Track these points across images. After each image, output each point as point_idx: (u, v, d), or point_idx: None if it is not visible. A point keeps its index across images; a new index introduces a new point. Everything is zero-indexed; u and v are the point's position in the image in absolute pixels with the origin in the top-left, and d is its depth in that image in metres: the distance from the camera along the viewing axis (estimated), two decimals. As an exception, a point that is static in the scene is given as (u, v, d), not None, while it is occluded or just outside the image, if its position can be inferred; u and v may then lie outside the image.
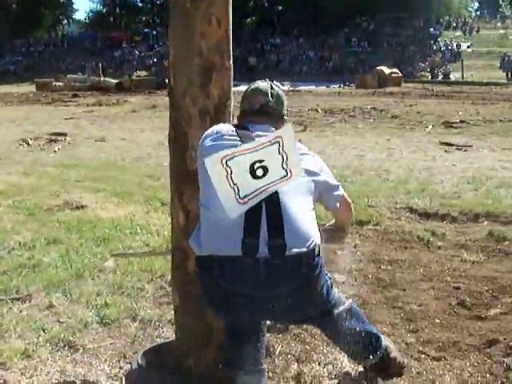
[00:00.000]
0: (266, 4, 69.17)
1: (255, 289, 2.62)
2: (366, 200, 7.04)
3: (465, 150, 11.20)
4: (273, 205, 2.62)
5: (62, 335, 3.84)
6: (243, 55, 52.18)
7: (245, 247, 2.58)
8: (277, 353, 3.67)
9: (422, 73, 45.58)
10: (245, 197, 2.56)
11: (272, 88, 3.02)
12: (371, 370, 3.24)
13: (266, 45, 59.03)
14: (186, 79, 2.99)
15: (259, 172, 2.57)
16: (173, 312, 3.36)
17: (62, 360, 3.60)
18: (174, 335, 3.47)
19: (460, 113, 18.27)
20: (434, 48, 53.55)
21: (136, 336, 3.89)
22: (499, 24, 67.85)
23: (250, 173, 2.56)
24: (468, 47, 54.91)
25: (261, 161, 2.57)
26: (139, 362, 3.22)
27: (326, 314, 2.92)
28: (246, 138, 2.68)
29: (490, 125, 15.26)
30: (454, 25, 65.41)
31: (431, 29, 59.75)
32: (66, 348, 3.73)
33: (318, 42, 56.50)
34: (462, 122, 15.87)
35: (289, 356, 3.65)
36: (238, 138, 2.70)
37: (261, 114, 2.90)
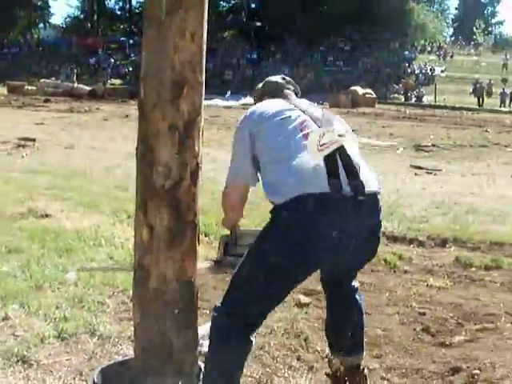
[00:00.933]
0: (244, 19, 69.44)
1: (346, 219, 2.77)
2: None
3: (434, 174, 11.27)
4: (344, 154, 2.88)
5: (16, 349, 3.69)
6: (219, 69, 52.33)
7: (331, 186, 2.76)
8: (237, 375, 3.59)
9: (396, 95, 46.04)
10: (323, 145, 2.85)
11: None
12: (347, 370, 3.37)
13: (242, 59, 59.19)
14: (156, 93, 2.92)
15: (325, 126, 2.94)
16: (133, 328, 3.27)
17: (14, 376, 3.45)
18: (133, 352, 3.37)
19: (431, 136, 18.44)
20: (409, 71, 54.17)
21: (94, 352, 3.78)
22: (473, 51, 68.92)
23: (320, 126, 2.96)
24: (442, 71, 55.72)
25: (324, 114, 3.04)
26: (95, 380, 3.12)
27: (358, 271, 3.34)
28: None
29: (461, 149, 15.43)
30: (429, 49, 66.33)
31: (406, 52, 60.47)
32: (20, 363, 3.58)
33: (293, 59, 56.83)
34: (433, 145, 16.03)
35: (250, 379, 3.58)
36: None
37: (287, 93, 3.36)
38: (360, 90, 36.20)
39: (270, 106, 3.15)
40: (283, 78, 3.48)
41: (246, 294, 2.92)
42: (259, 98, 3.42)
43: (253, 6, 72.82)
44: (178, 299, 3.04)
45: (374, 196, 2.91)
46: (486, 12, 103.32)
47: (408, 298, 4.98)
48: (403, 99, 44.79)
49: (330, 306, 3.45)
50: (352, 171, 2.85)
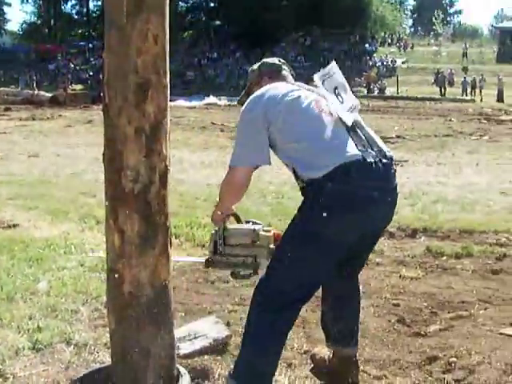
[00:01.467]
0: (203, 18, 69.30)
1: (380, 181, 2.97)
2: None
3: (401, 166, 11.34)
4: (359, 125, 3.13)
5: (-9, 363, 3.65)
6: (180, 69, 52.14)
7: (362, 152, 2.94)
8: (216, 376, 3.58)
9: (358, 88, 46.23)
10: (349, 108, 3.13)
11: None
12: (343, 362, 3.47)
13: (203, 59, 59.08)
14: (121, 97, 2.89)
15: (340, 98, 3.15)
16: (108, 335, 3.24)
17: (-10, 390, 3.43)
18: (110, 359, 3.34)
19: (396, 128, 18.58)
20: (370, 63, 54.51)
21: (70, 361, 3.73)
22: (432, 41, 69.61)
23: (336, 96, 3.15)
24: (403, 63, 56.22)
25: (336, 87, 3.19)
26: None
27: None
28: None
29: (426, 140, 15.56)
30: (389, 41, 66.81)
31: (367, 45, 60.84)
32: (-5, 376, 3.55)
33: (254, 56, 56.78)
34: (398, 137, 16.14)
35: (228, 379, 3.56)
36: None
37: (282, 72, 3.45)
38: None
39: (279, 87, 3.18)
40: (279, 60, 3.52)
41: (289, 278, 2.99)
42: (258, 79, 3.42)
43: (211, 4, 72.72)
44: (152, 304, 3.02)
45: (391, 159, 3.08)
46: (444, 2, 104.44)
47: (382, 289, 5.00)
48: (366, 92, 45.04)
49: (338, 299, 3.47)
50: (371, 139, 3.09)
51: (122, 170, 2.91)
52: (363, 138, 3.06)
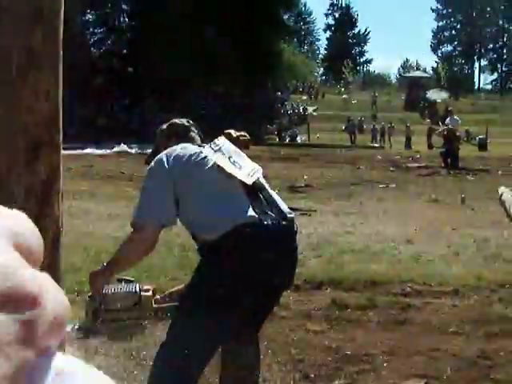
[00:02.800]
0: (116, 64, 69.05)
1: (278, 242, 2.99)
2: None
3: (309, 215, 11.43)
4: (262, 188, 3.20)
5: None
6: (91, 116, 51.61)
7: (259, 214, 2.97)
8: None
9: (271, 135, 46.86)
10: (248, 175, 3.14)
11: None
12: None
13: (116, 105, 58.70)
14: (9, 157, 2.78)
15: (237, 165, 3.18)
16: None
17: None
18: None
19: (305, 176, 18.78)
20: (282, 111, 55.32)
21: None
22: (343, 89, 71.56)
23: (233, 164, 3.18)
24: (314, 111, 57.37)
25: (230, 156, 3.23)
26: None
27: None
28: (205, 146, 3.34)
29: (334, 188, 15.77)
30: (301, 89, 68.20)
31: (279, 93, 61.81)
32: None
33: (168, 105, 56.87)
34: (307, 186, 16.31)
35: None
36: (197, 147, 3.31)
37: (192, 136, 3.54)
38: (234, 133, 36.31)
39: (187, 148, 3.24)
40: (188, 121, 3.64)
41: (196, 347, 2.88)
42: (166, 140, 3.46)
43: (124, 51, 72.62)
44: None
45: (292, 221, 3.14)
46: (353, 52, 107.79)
47: (287, 344, 4.96)
48: (277, 139, 45.62)
49: (244, 358, 3.33)
50: (271, 201, 3.16)
51: (11, 233, 2.79)
52: (263, 200, 3.10)
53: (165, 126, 3.62)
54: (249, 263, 2.90)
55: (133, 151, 33.15)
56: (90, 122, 49.86)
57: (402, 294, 6.28)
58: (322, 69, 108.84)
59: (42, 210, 2.81)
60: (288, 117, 53.24)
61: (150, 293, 3.25)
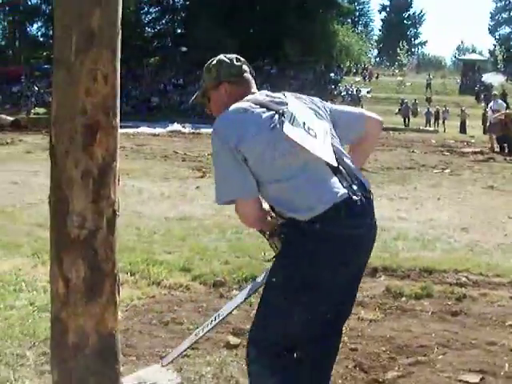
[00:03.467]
0: (169, 44, 69.41)
1: (365, 218, 2.83)
2: (263, 254, 6.89)
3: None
4: (339, 156, 2.89)
5: None
6: (145, 95, 52.05)
7: (348, 190, 2.77)
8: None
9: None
10: (323, 141, 2.86)
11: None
12: None
13: (169, 85, 59.06)
14: (68, 139, 2.78)
15: (312, 133, 2.85)
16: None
17: None
18: (53, 410, 3.17)
19: (359, 160, 18.52)
20: (335, 93, 54.97)
21: (11, 413, 3.57)
22: (397, 71, 70.60)
23: (308, 132, 2.84)
24: (368, 92, 56.81)
25: (304, 123, 2.86)
26: None
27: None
28: (274, 104, 2.93)
29: (388, 172, 15.54)
30: (354, 70, 67.58)
31: (332, 74, 61.42)
32: None
33: (220, 83, 56.96)
34: (361, 169, 16.10)
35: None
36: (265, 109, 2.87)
37: (250, 78, 3.13)
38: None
39: (255, 111, 2.84)
40: (238, 59, 3.12)
41: (279, 326, 2.83)
42: (215, 84, 3.07)
43: (178, 30, 72.97)
44: (98, 354, 2.89)
45: (370, 192, 2.93)
46: (408, 33, 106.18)
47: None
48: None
49: (321, 356, 3.15)
50: (351, 171, 2.89)
51: (68, 215, 2.80)
52: (344, 171, 2.85)
53: (211, 66, 3.11)
54: (342, 243, 2.75)
55: (186, 130, 33.22)
56: (143, 101, 50.23)
57: (457, 283, 6.13)
58: (376, 50, 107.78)
59: (99, 194, 2.81)
60: (341, 98, 52.82)
61: None
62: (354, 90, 56.12)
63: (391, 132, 33.53)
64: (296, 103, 2.98)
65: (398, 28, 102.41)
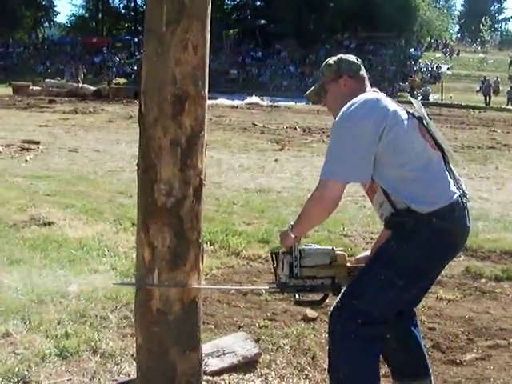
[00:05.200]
0: (248, 17, 69.28)
1: (467, 219, 2.96)
2: (342, 228, 6.89)
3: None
4: (447, 160, 3.05)
5: (17, 369, 3.58)
6: (224, 67, 52.24)
7: (459, 193, 2.93)
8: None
9: (402, 93, 45.72)
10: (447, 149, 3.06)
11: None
12: None
13: (247, 57, 59.10)
14: (157, 108, 2.81)
15: (438, 135, 3.06)
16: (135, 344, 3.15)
17: (15, 398, 3.37)
18: (135, 371, 3.26)
19: (439, 137, 18.18)
20: (415, 68, 53.94)
21: (96, 372, 3.66)
22: (479, 48, 68.62)
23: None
24: (448, 69, 55.47)
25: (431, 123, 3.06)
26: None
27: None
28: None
29: (468, 151, 15.22)
30: (435, 46, 66.06)
31: (412, 49, 60.25)
32: (21, 383, 3.49)
33: (299, 57, 56.69)
34: (441, 148, 15.81)
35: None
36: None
37: (365, 76, 3.22)
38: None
39: (388, 100, 2.99)
40: (356, 59, 3.26)
41: (375, 301, 2.91)
42: (335, 77, 3.16)
43: (257, 3, 72.75)
44: (180, 321, 2.94)
45: (467, 198, 3.04)
46: (492, 8, 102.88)
47: (418, 311, 4.83)
48: (409, 97, 44.61)
49: (404, 330, 3.32)
50: (454, 174, 3.06)
51: (156, 183, 2.83)
52: (454, 176, 3.03)
53: (333, 61, 3.22)
54: (452, 239, 2.92)
55: (264, 103, 33.25)
56: (222, 73, 50.40)
57: (539, 267, 5.98)
58: (457, 26, 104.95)
59: (186, 163, 2.84)
60: (421, 74, 51.81)
61: (343, 252, 3.13)
62: (434, 67, 54.90)
63: (471, 110, 32.78)
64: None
65: (480, 3, 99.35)
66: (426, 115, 3.06)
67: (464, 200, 2.95)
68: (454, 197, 2.88)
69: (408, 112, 3.00)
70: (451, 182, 2.95)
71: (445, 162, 3.01)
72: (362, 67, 3.23)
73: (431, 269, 3.01)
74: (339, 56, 3.26)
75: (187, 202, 2.87)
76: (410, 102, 3.26)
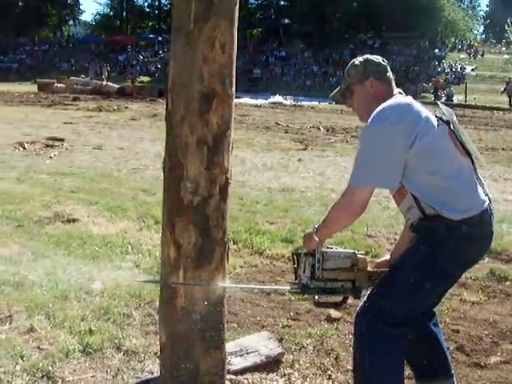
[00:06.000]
0: (272, 16, 69.23)
1: (492, 228, 2.95)
2: (366, 229, 6.85)
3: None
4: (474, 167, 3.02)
5: (41, 364, 3.60)
6: (247, 66, 52.25)
7: (488, 201, 2.93)
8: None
9: (426, 94, 45.44)
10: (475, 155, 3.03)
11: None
12: None
13: (271, 57, 59.10)
14: (184, 105, 2.81)
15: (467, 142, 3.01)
16: (159, 343, 3.15)
17: (39, 394, 3.38)
18: (158, 369, 3.26)
19: (463, 138, 18.03)
20: (438, 69, 53.62)
21: (119, 369, 3.67)
22: (504, 49, 67.99)
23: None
24: (472, 70, 55.04)
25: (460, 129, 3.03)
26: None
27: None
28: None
29: (493, 153, 15.08)
30: (459, 47, 65.59)
31: (436, 50, 59.90)
32: (45, 379, 3.49)
33: (322, 56, 56.59)
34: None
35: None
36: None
37: (392, 79, 3.17)
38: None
39: (419, 104, 2.95)
40: (383, 60, 3.21)
41: (402, 302, 2.92)
42: (361, 78, 3.13)
43: (281, 3, 72.71)
44: (205, 320, 2.94)
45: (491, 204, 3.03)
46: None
47: (442, 313, 4.78)
48: (433, 98, 44.27)
49: (425, 329, 3.30)
50: (482, 182, 3.02)
51: (182, 181, 2.83)
52: (481, 181, 3.01)
53: (359, 62, 3.18)
54: (479, 246, 2.96)
55: (287, 102, 33.23)
56: (245, 72, 50.39)
57: None
58: (482, 26, 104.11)
59: (213, 161, 2.83)
60: (444, 75, 51.47)
61: (365, 256, 3.13)
62: (458, 67, 54.55)
63: (495, 112, 32.48)
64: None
65: (506, 3, 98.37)
66: (454, 119, 3.01)
67: (491, 207, 2.94)
68: (485, 205, 2.89)
69: (437, 117, 2.95)
70: (480, 189, 2.94)
71: (474, 169, 2.99)
72: (389, 68, 3.19)
73: (458, 273, 3.05)
74: (365, 57, 3.22)
75: (213, 201, 2.87)
76: (435, 104, 3.21)
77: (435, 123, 2.88)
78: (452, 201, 2.82)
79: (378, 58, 3.20)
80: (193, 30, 2.76)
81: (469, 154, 2.96)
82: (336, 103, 3.42)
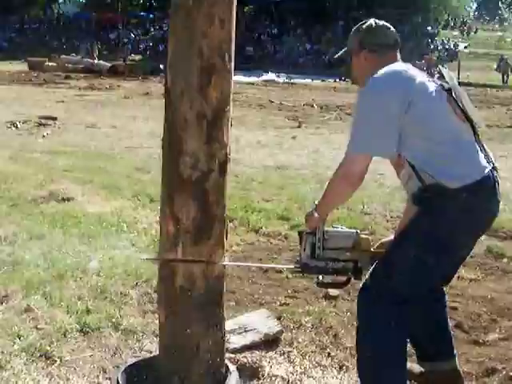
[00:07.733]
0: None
1: (498, 197, 2.87)
2: (362, 206, 6.83)
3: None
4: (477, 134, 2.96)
5: (39, 344, 3.57)
6: (240, 44, 51.89)
7: (490, 167, 2.83)
8: (266, 373, 3.46)
9: (419, 71, 45.32)
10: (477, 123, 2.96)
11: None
12: (449, 376, 3.30)
13: (263, 34, 58.76)
14: (183, 81, 2.78)
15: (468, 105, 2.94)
16: (157, 321, 3.13)
17: (37, 372, 3.34)
18: (157, 348, 3.24)
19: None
20: (431, 46, 53.44)
21: (117, 348, 3.66)
22: (497, 26, 67.98)
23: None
24: (465, 47, 54.97)
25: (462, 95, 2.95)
26: (119, 380, 2.99)
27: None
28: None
29: (486, 130, 15.06)
30: (452, 24, 65.42)
31: (429, 27, 59.69)
32: (43, 359, 3.47)
33: (315, 34, 56.29)
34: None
35: (277, 379, 3.45)
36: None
37: (395, 48, 3.11)
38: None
39: (415, 70, 2.92)
40: (387, 27, 3.17)
41: (404, 279, 2.87)
42: (356, 51, 3.10)
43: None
44: (204, 298, 2.91)
45: (497, 170, 2.94)
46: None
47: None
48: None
49: (431, 311, 3.30)
50: (485, 148, 2.95)
51: (181, 156, 2.80)
52: (484, 150, 2.93)
53: (358, 31, 3.16)
54: (481, 215, 2.85)
55: (280, 80, 33.14)
56: (238, 50, 50.15)
57: (562, 248, 5.91)
58: (475, 4, 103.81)
59: (212, 136, 2.81)
60: (437, 52, 51.34)
61: (368, 237, 3.09)
62: (451, 45, 54.42)
63: (489, 89, 32.51)
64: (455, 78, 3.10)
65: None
66: (456, 85, 2.96)
67: (495, 174, 2.84)
68: (486, 171, 2.78)
69: (436, 83, 2.90)
70: (481, 155, 2.85)
71: (475, 135, 2.91)
72: (392, 37, 3.13)
73: (461, 245, 2.92)
74: (370, 23, 3.19)
75: (212, 176, 2.84)
76: (440, 73, 3.17)
77: (431, 89, 2.83)
78: (449, 167, 2.76)
79: (381, 28, 3.16)
80: (192, 7, 2.72)
81: (469, 120, 2.90)
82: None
